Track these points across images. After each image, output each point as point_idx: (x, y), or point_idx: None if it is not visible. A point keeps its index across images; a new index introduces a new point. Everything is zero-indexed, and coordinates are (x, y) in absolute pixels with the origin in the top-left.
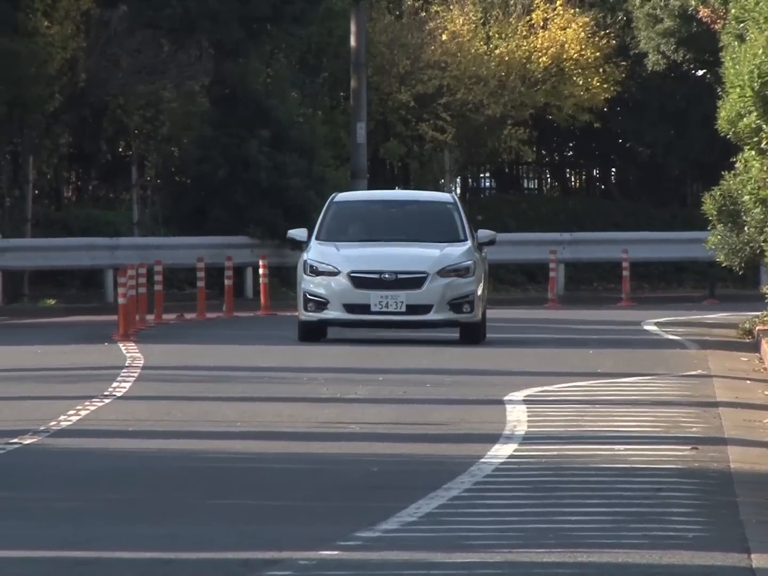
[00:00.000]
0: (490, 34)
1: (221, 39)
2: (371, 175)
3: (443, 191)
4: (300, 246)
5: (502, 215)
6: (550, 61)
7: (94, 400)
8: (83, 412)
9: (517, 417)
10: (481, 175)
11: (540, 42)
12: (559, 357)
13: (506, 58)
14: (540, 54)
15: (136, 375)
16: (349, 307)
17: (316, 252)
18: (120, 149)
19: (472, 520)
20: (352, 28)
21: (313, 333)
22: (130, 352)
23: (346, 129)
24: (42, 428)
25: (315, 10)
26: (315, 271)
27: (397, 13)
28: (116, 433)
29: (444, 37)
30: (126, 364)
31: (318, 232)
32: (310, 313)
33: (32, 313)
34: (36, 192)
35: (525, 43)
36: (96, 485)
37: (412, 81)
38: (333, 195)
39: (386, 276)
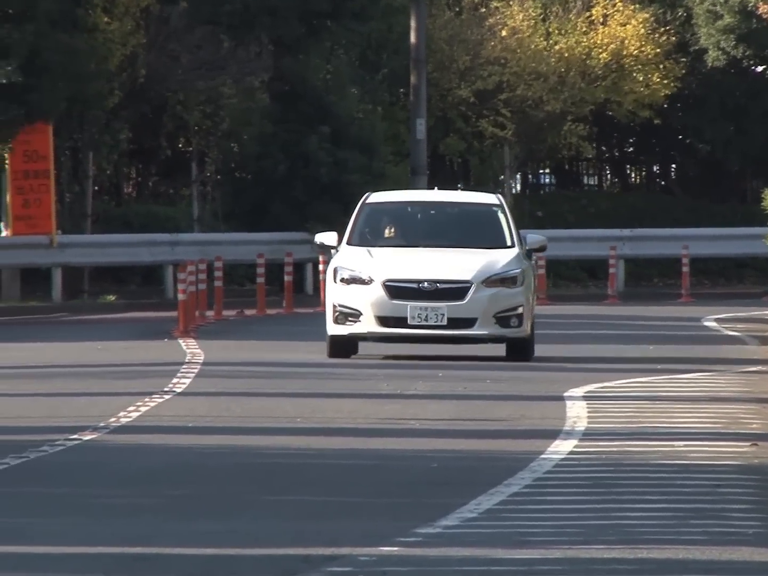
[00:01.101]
0: (550, 30)
1: (281, 35)
2: (431, 172)
3: (503, 187)
4: (329, 252)
5: (562, 211)
6: (610, 57)
7: (153, 396)
8: (143, 409)
9: (577, 413)
10: (541, 171)
11: (600, 38)
12: (619, 353)
13: (566, 54)
14: (600, 50)
15: (195, 371)
16: (384, 320)
17: (347, 258)
18: (180, 145)
19: (533, 516)
20: (412, 24)
21: (344, 348)
22: (190, 348)
23: (405, 125)
24: (102, 424)
25: (375, 6)
26: (345, 280)
27: (457, 9)
28: (176, 429)
29: (504, 33)
30: (186, 360)
31: (349, 237)
32: (340, 327)
33: (92, 310)
34: (96, 188)
35: (585, 39)
36: (155, 481)
37: (472, 77)
38: (366, 195)
39: (425, 285)
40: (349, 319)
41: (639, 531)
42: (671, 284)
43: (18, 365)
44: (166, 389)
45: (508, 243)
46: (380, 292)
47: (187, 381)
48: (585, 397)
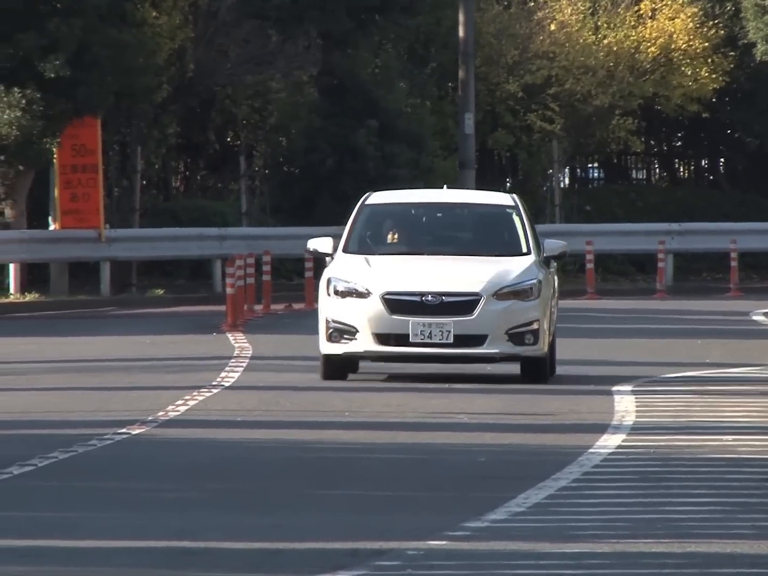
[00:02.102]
0: (599, 24)
1: (329, 29)
2: (479, 166)
3: (551, 181)
4: (324, 260)
5: (611, 205)
6: (658, 52)
7: (202, 390)
8: (191, 402)
9: (626, 407)
10: (590, 165)
11: (648, 32)
12: (668, 347)
13: (614, 48)
14: (648, 44)
15: (244, 365)
16: (383, 338)
17: (342, 268)
18: (228, 139)
19: (581, 510)
20: (461, 18)
21: (339, 369)
22: (239, 342)
23: (454, 119)
24: (150, 418)
25: (423, 0)
26: (339, 292)
27: (506, 3)
28: (224, 423)
29: (552, 27)
30: (234, 354)
31: (345, 243)
32: (334, 345)
33: (140, 304)
34: (144, 182)
35: (633, 33)
36: (203, 475)
37: (521, 71)
38: (366, 195)
39: (429, 298)
40: (345, 336)
41: (687, 525)
42: (720, 278)
43: (67, 359)
44: (214, 383)
45: (524, 249)
46: (378, 307)
47: (236, 375)
48: (633, 392)
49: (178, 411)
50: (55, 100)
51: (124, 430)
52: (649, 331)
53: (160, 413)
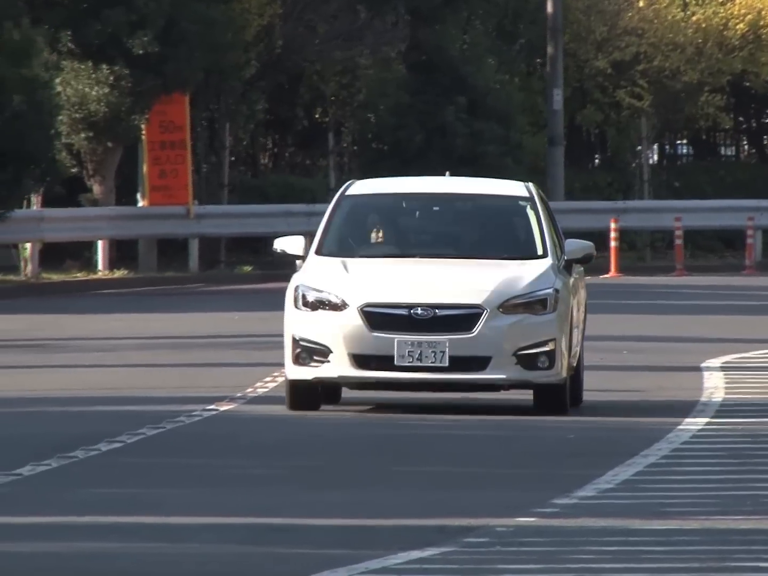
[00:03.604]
0: (687, 0)
1: (418, 5)
2: (567, 142)
3: (640, 158)
4: (294, 264)
5: (700, 182)
6: (747, 28)
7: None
8: (279, 379)
9: (714, 384)
10: (678, 141)
11: (737, 9)
12: (757, 324)
13: (703, 25)
14: (737, 21)
15: None
16: (362, 360)
17: (314, 274)
18: (316, 116)
19: (670, 487)
20: None
21: (308, 398)
22: None
23: (542, 95)
24: (238, 395)
25: None
26: (309, 304)
27: None
28: None
29: (641, 3)
30: None
31: (319, 243)
32: (302, 369)
33: (229, 280)
34: (232, 158)
35: (722, 10)
36: (291, 452)
37: (609, 48)
38: (347, 184)
39: (419, 312)
40: (315, 358)
41: None
42: None
43: (155, 336)
44: None
45: (539, 251)
46: (357, 321)
47: None
48: (722, 368)
49: (266, 388)
50: (143, 76)
51: (212, 407)
52: (737, 307)
53: (249, 390)
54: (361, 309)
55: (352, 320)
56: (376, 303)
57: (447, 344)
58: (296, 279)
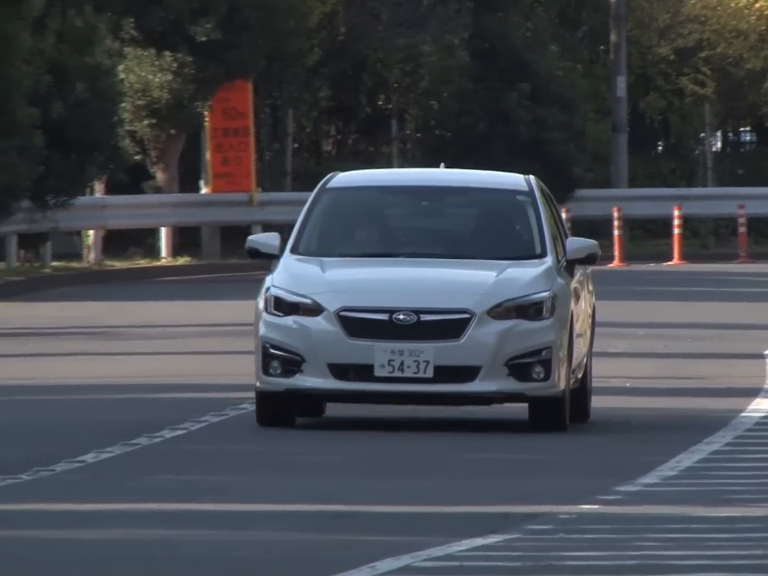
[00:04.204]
0: None
1: None
2: (631, 129)
3: (704, 145)
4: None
5: (763, 169)
6: None
7: None
8: None
9: None
10: (742, 129)
11: None
12: None
13: (766, 12)
14: None
15: None
16: (339, 370)
17: (289, 275)
18: (380, 103)
19: (732, 474)
20: None
21: (280, 411)
22: None
23: (605, 83)
24: None
25: None
26: (282, 307)
27: None
28: None
29: None
30: None
31: (295, 241)
32: (273, 379)
33: None
34: (296, 146)
35: None
36: (355, 439)
37: (672, 35)
38: (329, 176)
39: (401, 317)
40: (287, 367)
41: None
42: None
43: (218, 323)
44: None
45: (537, 250)
46: (333, 327)
47: None
48: None
49: None
50: (206, 63)
51: None
52: None
53: None
54: (338, 314)
55: (327, 326)
56: (353, 307)
57: (431, 353)
58: (268, 280)
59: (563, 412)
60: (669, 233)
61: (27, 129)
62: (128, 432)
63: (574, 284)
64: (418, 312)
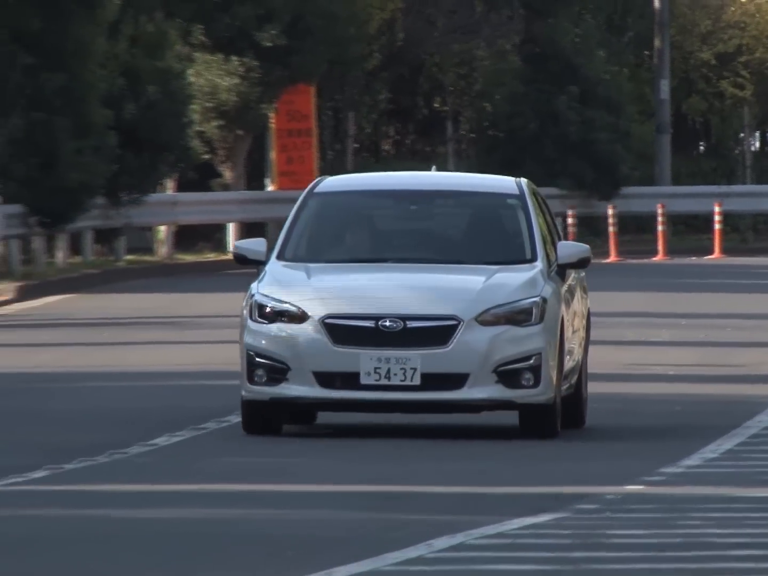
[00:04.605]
0: None
1: (531, 0)
2: (674, 130)
3: (743, 145)
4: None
5: None
6: None
7: None
8: None
9: None
10: None
11: None
12: None
13: None
14: None
15: None
16: (324, 378)
17: (274, 281)
18: (436, 105)
19: None
20: None
21: (265, 419)
22: None
23: (650, 86)
24: None
25: None
26: (266, 315)
27: None
28: None
29: None
30: None
31: (281, 247)
32: (258, 388)
33: None
34: (356, 146)
35: None
36: (408, 427)
37: (713, 40)
38: (316, 180)
39: (387, 323)
40: (273, 375)
41: None
42: None
43: None
44: None
45: (527, 255)
46: (318, 335)
47: None
48: None
49: None
50: (271, 67)
51: None
52: None
53: None
54: (323, 321)
55: (313, 333)
56: (339, 314)
57: (418, 360)
58: (253, 287)
59: (554, 419)
60: (710, 228)
61: (102, 129)
62: (198, 417)
63: (565, 289)
64: (404, 318)
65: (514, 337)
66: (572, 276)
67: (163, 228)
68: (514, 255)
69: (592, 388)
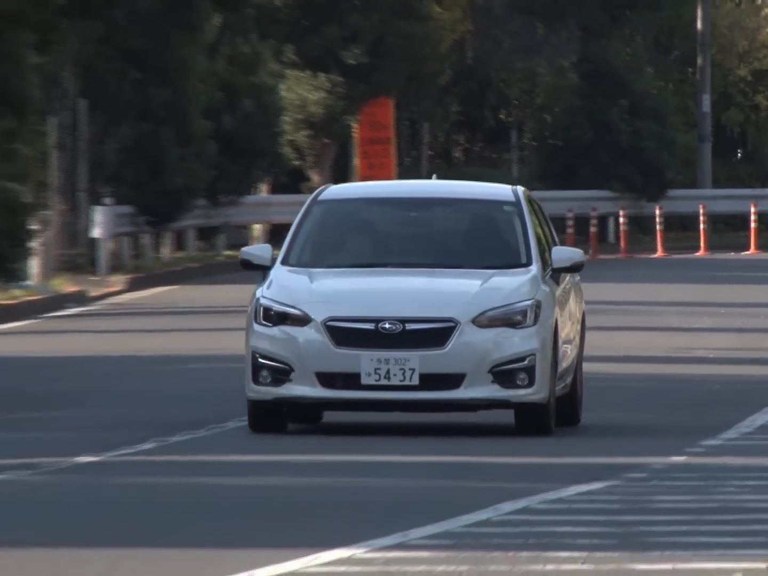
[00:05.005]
0: None
1: (588, 23)
2: (714, 139)
3: None
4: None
5: None
6: None
7: None
8: None
9: None
10: None
11: None
12: None
13: None
14: None
15: None
16: (326, 378)
17: (278, 286)
18: (501, 116)
19: None
20: (698, 13)
21: (270, 419)
22: None
23: (693, 99)
24: None
25: None
26: (270, 317)
27: (737, 0)
28: None
29: None
30: None
31: (285, 252)
32: (263, 388)
33: None
34: (430, 153)
35: None
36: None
37: (749, 59)
38: (320, 189)
39: (387, 326)
40: (277, 376)
41: None
42: None
43: None
44: None
45: (523, 260)
46: (320, 337)
47: None
48: None
49: None
50: (354, 83)
51: None
52: None
53: None
54: (325, 323)
55: (315, 336)
56: (340, 317)
57: (417, 361)
58: (258, 291)
59: (548, 418)
60: (746, 227)
61: (202, 139)
62: None
63: (559, 292)
64: (403, 321)
65: (509, 339)
66: (567, 279)
67: (257, 226)
68: (510, 259)
69: (641, 369)
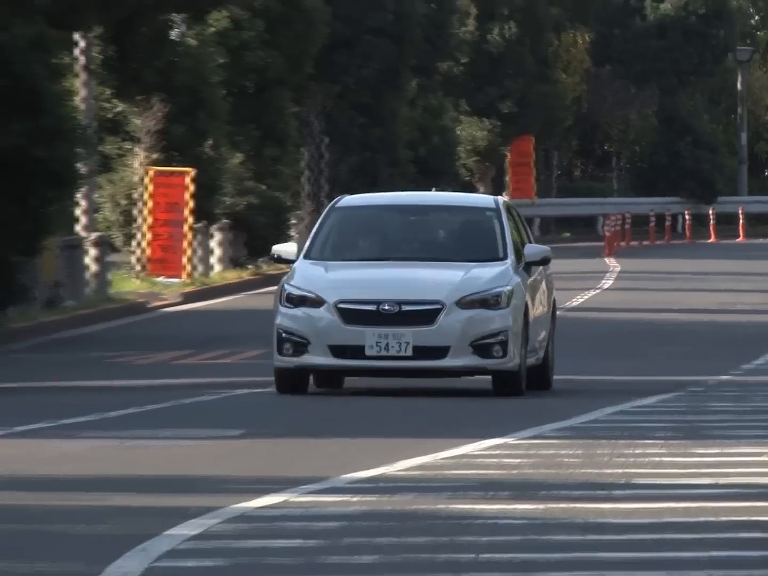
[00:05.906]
0: None
1: (664, 85)
2: (750, 162)
3: None
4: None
5: None
6: None
7: (590, 290)
8: (586, 297)
9: None
10: None
11: None
12: None
13: None
14: None
15: (615, 275)
16: (337, 350)
17: (300, 275)
18: (606, 147)
19: None
20: (738, 77)
21: (293, 383)
22: (612, 263)
23: (735, 136)
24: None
25: (716, 66)
26: (292, 300)
27: None
28: (603, 309)
29: None
30: (609, 270)
31: (308, 249)
32: (286, 358)
33: (555, 240)
34: (558, 172)
35: None
36: (579, 339)
37: None
38: (337, 198)
39: (386, 307)
40: (297, 348)
41: None
42: None
43: None
44: (597, 287)
45: (500, 254)
46: (332, 316)
47: (610, 282)
48: None
49: (577, 302)
50: (507, 126)
51: None
52: None
53: (567, 303)
54: (336, 305)
55: (328, 315)
56: (349, 300)
57: (411, 336)
58: (284, 279)
59: (519, 382)
60: None
61: (405, 163)
62: None
63: (530, 281)
64: (400, 303)
65: (487, 318)
66: (539, 271)
67: None
68: (489, 254)
69: (699, 317)
